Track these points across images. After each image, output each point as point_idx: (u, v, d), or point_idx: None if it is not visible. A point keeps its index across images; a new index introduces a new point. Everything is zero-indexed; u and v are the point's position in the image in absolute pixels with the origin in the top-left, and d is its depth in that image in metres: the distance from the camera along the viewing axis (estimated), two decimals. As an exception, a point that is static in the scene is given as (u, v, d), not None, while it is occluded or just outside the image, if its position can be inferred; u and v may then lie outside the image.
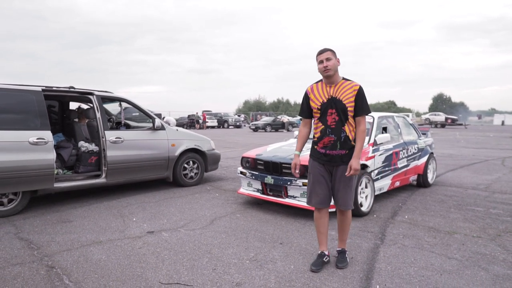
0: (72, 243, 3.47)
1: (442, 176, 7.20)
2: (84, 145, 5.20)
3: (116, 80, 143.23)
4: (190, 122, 35.04)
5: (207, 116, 35.56)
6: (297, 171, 2.96)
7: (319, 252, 2.99)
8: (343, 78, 2.83)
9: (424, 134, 6.70)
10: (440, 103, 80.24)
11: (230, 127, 37.07)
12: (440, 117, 38.99)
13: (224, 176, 7.10)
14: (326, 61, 2.72)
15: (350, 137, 2.79)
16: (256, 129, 29.26)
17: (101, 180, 5.08)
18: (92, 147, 5.24)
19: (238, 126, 37.60)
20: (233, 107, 78.01)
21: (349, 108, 2.73)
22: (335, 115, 2.75)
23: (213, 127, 35.70)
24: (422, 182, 6.03)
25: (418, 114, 61.77)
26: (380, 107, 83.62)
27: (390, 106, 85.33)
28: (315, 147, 2.89)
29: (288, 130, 29.53)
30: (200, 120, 34.39)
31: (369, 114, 5.45)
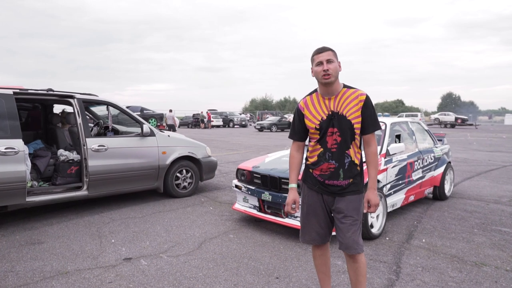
0: (33, 274, 2.97)
1: (459, 186, 6.60)
2: (63, 154, 4.71)
3: (124, 77, 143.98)
4: (195, 121, 34.58)
5: (212, 115, 35.01)
6: (294, 207, 2.25)
7: (322, 296, 2.45)
8: (344, 86, 2.15)
9: (440, 140, 6.11)
10: (449, 102, 78.85)
11: (235, 126, 36.49)
12: (450, 117, 37.99)
13: (222, 185, 6.58)
14: (327, 63, 2.04)
15: (356, 162, 2.14)
16: (261, 129, 28.67)
17: (82, 192, 4.58)
18: (73, 155, 4.75)
19: (244, 126, 37.01)
20: (240, 105, 77.51)
21: (355, 125, 2.09)
22: (336, 135, 2.10)
23: (218, 126, 35.18)
24: (438, 195, 5.44)
25: (426, 114, 60.62)
26: (388, 106, 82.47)
27: (398, 105, 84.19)
28: (310, 170, 2.23)
29: None
30: (205, 120, 33.87)
31: (381, 120, 4.90)
